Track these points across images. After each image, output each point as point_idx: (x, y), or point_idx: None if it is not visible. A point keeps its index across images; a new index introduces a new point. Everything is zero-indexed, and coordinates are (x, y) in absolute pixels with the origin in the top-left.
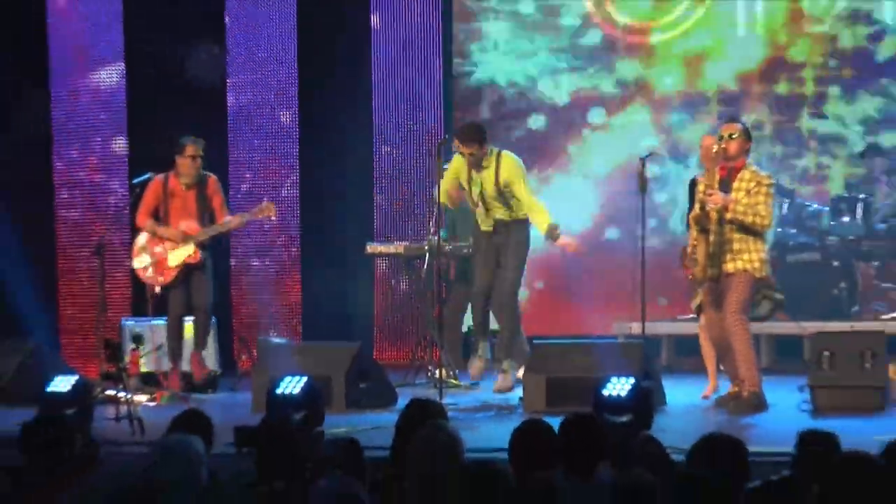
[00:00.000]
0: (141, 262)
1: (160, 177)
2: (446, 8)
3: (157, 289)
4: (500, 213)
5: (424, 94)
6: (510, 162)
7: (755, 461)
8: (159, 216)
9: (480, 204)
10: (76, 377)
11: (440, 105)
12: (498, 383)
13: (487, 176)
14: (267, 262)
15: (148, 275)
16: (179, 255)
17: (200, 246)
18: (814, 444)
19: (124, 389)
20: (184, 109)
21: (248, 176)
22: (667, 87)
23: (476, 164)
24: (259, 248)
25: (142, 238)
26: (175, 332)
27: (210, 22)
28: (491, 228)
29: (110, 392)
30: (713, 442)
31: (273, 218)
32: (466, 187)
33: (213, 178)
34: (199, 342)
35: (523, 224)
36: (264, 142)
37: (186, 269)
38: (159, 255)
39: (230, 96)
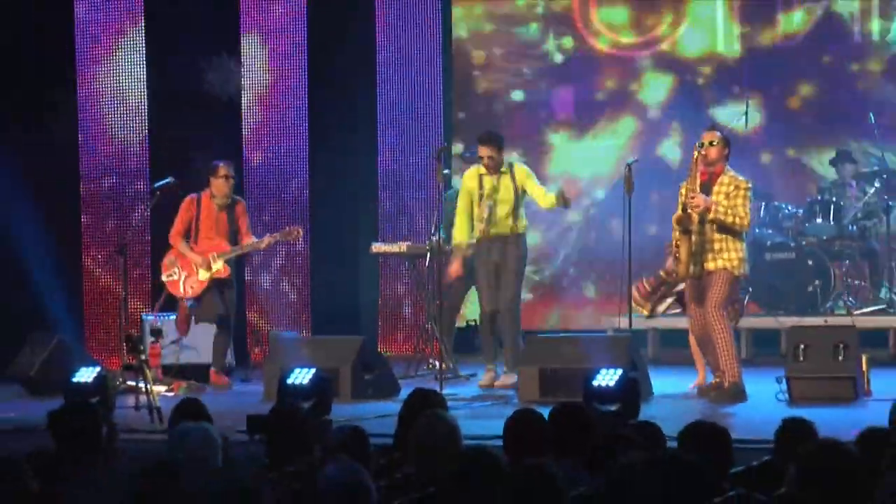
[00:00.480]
0: (170, 276)
1: (193, 196)
2: (446, 17)
3: (188, 303)
4: (502, 229)
5: (426, 101)
6: (521, 168)
7: (735, 447)
8: (189, 234)
9: (486, 218)
10: (99, 369)
11: (440, 112)
12: (483, 379)
13: (506, 183)
14: (278, 261)
15: (178, 288)
16: (212, 269)
17: (227, 262)
18: (793, 431)
19: (144, 380)
20: (201, 115)
21: (261, 180)
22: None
23: (494, 168)
24: (272, 249)
25: (171, 255)
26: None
27: (226, 34)
28: (489, 235)
29: (131, 383)
30: (699, 429)
31: (300, 241)
32: (478, 201)
33: (241, 201)
34: (217, 360)
35: (522, 238)
36: (277, 148)
37: (215, 283)
38: (189, 271)
39: (245, 105)
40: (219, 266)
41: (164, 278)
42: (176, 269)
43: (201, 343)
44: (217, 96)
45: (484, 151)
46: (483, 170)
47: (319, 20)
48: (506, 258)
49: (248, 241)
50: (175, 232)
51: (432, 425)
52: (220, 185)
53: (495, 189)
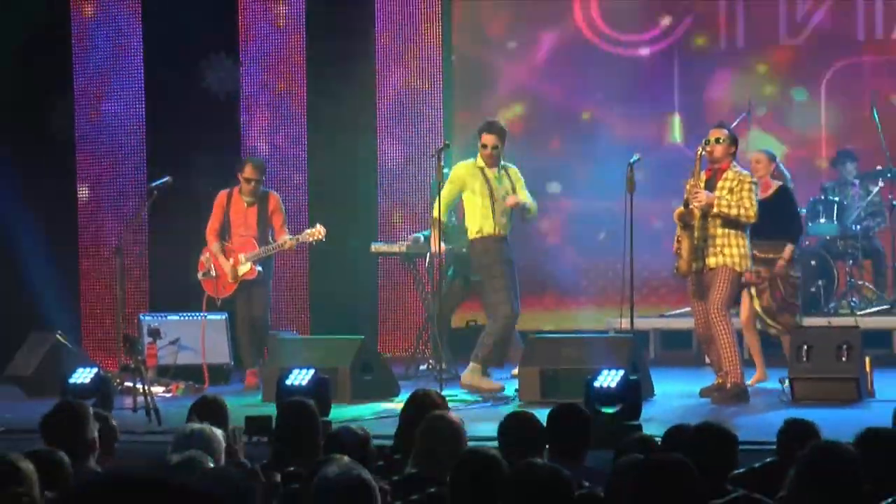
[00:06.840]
0: (205, 274)
1: (225, 190)
2: (446, 12)
3: (219, 301)
4: (507, 229)
5: (426, 99)
6: (514, 169)
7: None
8: (224, 230)
9: (496, 208)
10: (96, 369)
11: (441, 110)
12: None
13: (505, 182)
14: (277, 261)
15: (212, 289)
16: (238, 271)
17: (257, 262)
18: (795, 433)
19: (142, 381)
20: (199, 115)
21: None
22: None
23: (495, 161)
24: None
25: (207, 252)
26: (246, 338)
27: (223, 33)
28: (505, 231)
29: (128, 384)
30: (705, 431)
31: (323, 240)
32: (488, 193)
33: (275, 196)
34: (251, 361)
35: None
36: (275, 147)
37: (245, 284)
38: (221, 271)
39: (243, 104)
40: (246, 268)
41: (199, 276)
42: (211, 268)
43: (199, 344)
44: (215, 95)
45: (489, 140)
46: (482, 162)
47: (318, 18)
48: (513, 259)
49: (280, 239)
50: (210, 229)
51: (437, 426)
52: (242, 185)
53: (499, 182)
